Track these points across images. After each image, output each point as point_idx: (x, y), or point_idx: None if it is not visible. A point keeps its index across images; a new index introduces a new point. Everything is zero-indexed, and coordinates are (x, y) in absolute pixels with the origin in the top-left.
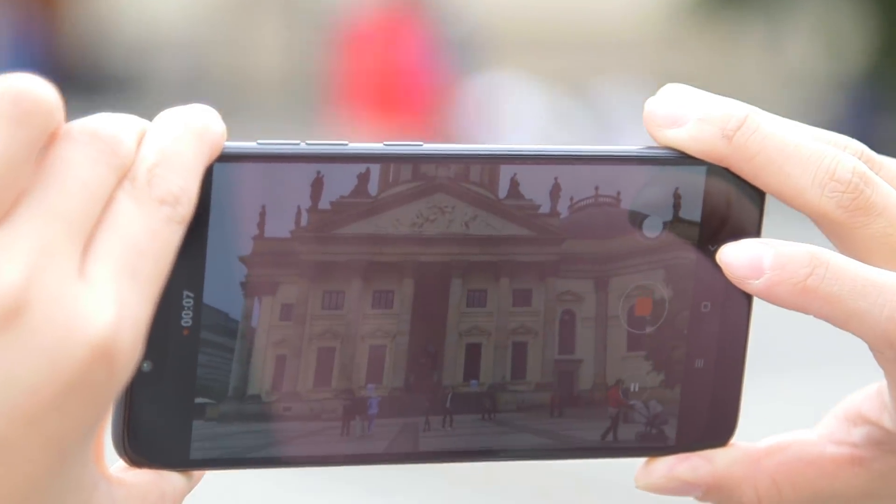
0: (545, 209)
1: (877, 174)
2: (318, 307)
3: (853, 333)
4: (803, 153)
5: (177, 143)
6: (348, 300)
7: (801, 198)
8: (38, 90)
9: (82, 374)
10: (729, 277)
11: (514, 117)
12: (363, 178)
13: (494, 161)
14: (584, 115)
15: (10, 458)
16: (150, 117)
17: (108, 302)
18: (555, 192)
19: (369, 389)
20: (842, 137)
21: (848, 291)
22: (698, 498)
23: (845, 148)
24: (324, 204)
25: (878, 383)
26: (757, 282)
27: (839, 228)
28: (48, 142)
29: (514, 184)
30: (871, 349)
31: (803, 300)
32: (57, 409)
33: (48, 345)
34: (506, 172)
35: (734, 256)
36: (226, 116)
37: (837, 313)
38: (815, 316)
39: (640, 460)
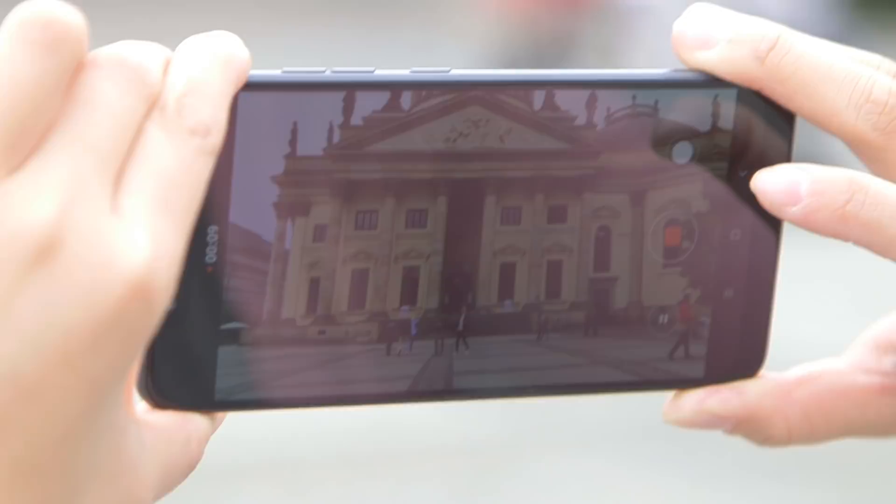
0: (581, 121)
1: None
2: (351, 228)
3: (894, 261)
4: (838, 74)
5: (204, 71)
6: (381, 219)
7: (835, 120)
8: (68, 16)
9: (118, 313)
10: (764, 205)
11: None
12: (394, 95)
13: (521, 87)
14: None
15: (46, 400)
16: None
17: (143, 237)
18: (593, 110)
19: (403, 311)
20: (875, 56)
21: (889, 217)
22: (727, 431)
23: (878, 67)
24: (352, 128)
25: None
26: (794, 208)
27: (875, 151)
28: (76, 70)
29: (549, 96)
30: None
31: (843, 227)
32: (93, 348)
33: (84, 283)
34: (542, 92)
35: (770, 183)
36: None
37: (878, 240)
38: (854, 243)
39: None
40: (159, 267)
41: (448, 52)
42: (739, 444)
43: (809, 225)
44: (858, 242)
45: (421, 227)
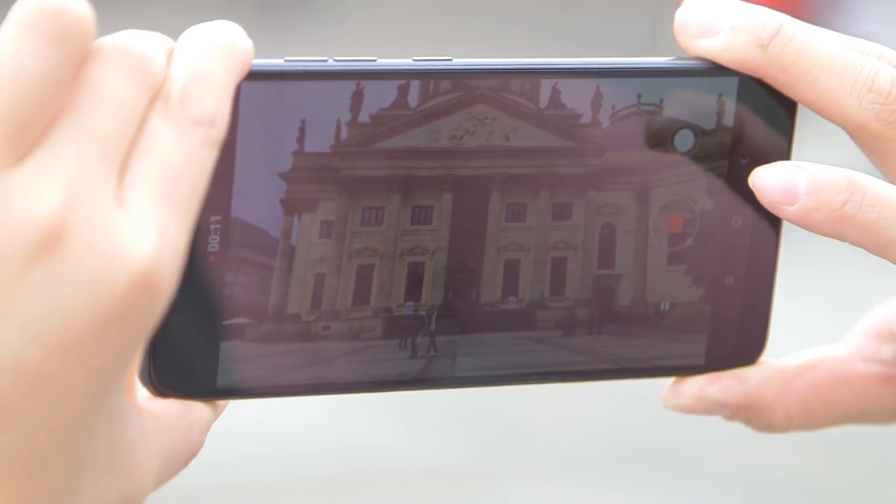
0: (586, 119)
1: None
2: (357, 224)
3: (891, 262)
4: (841, 63)
5: (207, 61)
6: (387, 216)
7: (837, 109)
8: (76, 6)
9: (123, 305)
10: (762, 202)
11: None
12: (400, 92)
13: (522, 76)
14: None
15: (50, 390)
16: None
17: (148, 229)
18: (597, 103)
19: (408, 308)
20: (876, 46)
21: (886, 219)
22: (726, 418)
23: (880, 57)
24: (357, 119)
25: None
26: (791, 208)
27: (876, 141)
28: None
29: (555, 93)
30: None
31: (840, 228)
32: (96, 340)
33: (88, 274)
34: (545, 84)
35: (768, 181)
36: None
37: (874, 241)
38: (851, 243)
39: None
40: (164, 258)
41: None
42: (713, 467)
43: (806, 225)
44: (855, 243)
45: (426, 224)
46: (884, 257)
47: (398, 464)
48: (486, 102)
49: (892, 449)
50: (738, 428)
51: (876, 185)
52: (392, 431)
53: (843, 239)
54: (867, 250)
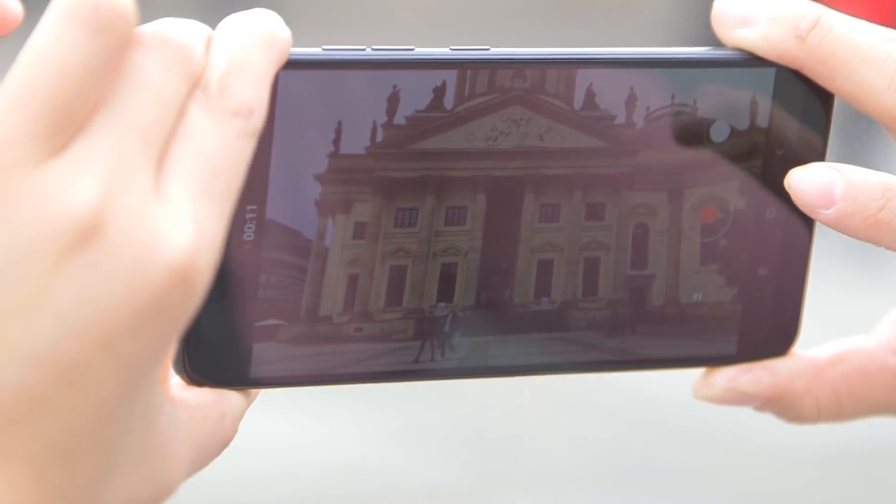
0: (620, 120)
1: None
2: (391, 224)
3: None
4: (879, 55)
5: (246, 50)
6: (421, 216)
7: (875, 101)
8: None
9: (160, 298)
10: (797, 204)
11: None
12: (438, 90)
13: (561, 65)
14: None
15: (84, 382)
16: None
17: (186, 221)
18: (630, 101)
19: (440, 308)
20: None
21: None
22: (757, 409)
23: None
24: (396, 115)
25: None
26: (827, 212)
27: None
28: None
29: (589, 94)
30: None
31: (875, 233)
32: (133, 332)
33: (126, 266)
34: (581, 81)
35: (803, 183)
36: None
37: None
38: (886, 248)
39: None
40: (201, 251)
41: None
42: (710, 484)
43: (841, 229)
44: (890, 248)
45: (460, 225)
46: None
47: (395, 483)
48: (521, 104)
49: (882, 469)
50: (731, 446)
51: None
52: (389, 451)
53: (877, 244)
54: None
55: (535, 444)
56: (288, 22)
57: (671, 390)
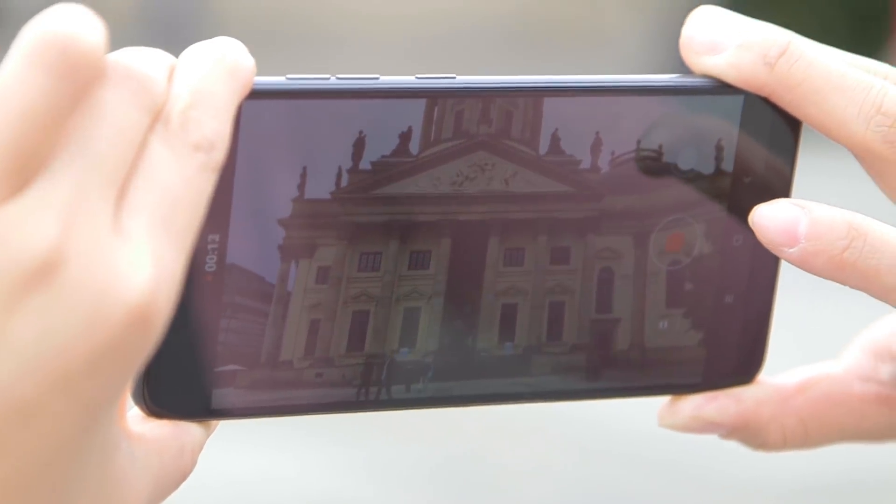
0: (585, 164)
1: None
2: (354, 268)
3: (892, 306)
4: (849, 83)
5: (209, 81)
6: (384, 260)
7: (844, 130)
8: (87, 37)
9: (118, 337)
10: (761, 241)
11: None
12: (403, 135)
13: (524, 93)
14: None
15: (38, 423)
16: None
17: (145, 259)
18: (595, 137)
19: (402, 353)
20: (882, 65)
21: (887, 266)
22: (722, 437)
23: (886, 77)
24: (361, 160)
25: None
26: (791, 250)
27: (883, 164)
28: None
29: (555, 137)
30: None
31: (839, 274)
32: (90, 372)
33: (84, 305)
34: (547, 123)
35: (768, 219)
36: None
37: (875, 288)
38: (851, 287)
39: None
40: (160, 289)
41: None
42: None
43: (806, 268)
44: (855, 288)
45: (424, 269)
46: (884, 301)
47: None
48: (486, 149)
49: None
50: (696, 476)
51: (877, 231)
52: (358, 486)
53: (842, 283)
54: (867, 294)
55: (500, 477)
56: (263, 53)
57: (637, 419)
